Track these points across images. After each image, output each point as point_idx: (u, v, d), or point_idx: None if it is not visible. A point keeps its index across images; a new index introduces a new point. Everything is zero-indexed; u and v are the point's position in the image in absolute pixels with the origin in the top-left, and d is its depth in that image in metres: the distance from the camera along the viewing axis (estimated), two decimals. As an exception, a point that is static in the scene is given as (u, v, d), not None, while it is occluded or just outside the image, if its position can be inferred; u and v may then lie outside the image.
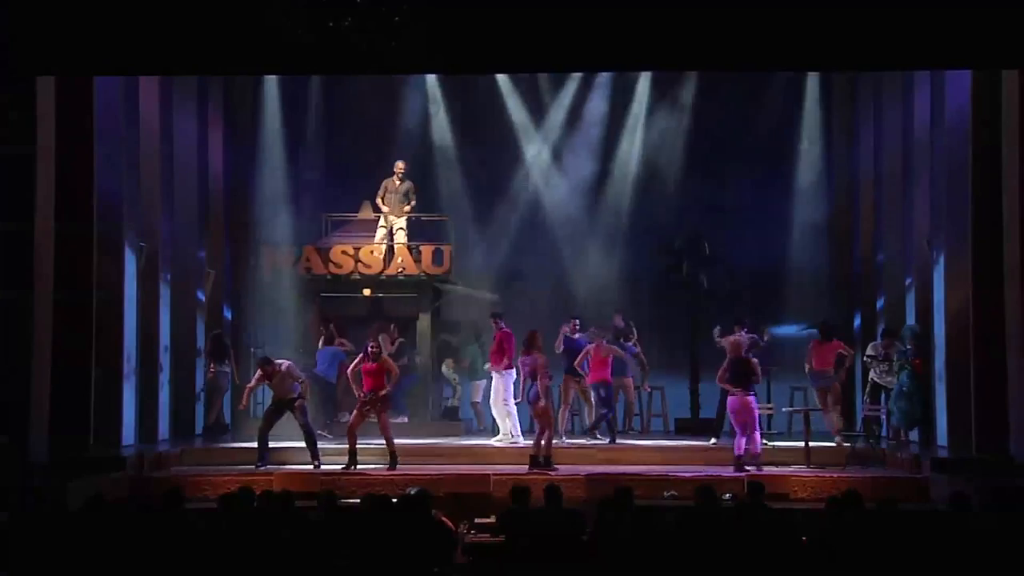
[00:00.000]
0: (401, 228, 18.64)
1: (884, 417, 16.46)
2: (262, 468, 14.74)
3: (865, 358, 16.90)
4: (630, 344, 17.85)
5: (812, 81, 20.43)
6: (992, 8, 11.94)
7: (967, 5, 12.02)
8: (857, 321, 19.87)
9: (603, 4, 12.19)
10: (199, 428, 18.51)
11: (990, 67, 13.75)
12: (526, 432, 16.41)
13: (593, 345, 16.77)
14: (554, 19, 12.16)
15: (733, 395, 14.76)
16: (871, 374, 16.66)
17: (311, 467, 14.84)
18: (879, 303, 18.93)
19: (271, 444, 15.26)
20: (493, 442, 16.55)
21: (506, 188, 20.91)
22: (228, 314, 20.09)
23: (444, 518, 10.03)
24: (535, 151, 20.88)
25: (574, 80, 20.68)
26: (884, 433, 16.82)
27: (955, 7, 12.02)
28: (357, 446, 14.92)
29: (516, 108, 20.85)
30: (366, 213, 19.58)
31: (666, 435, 18.34)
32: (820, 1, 12.18)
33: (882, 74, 18.26)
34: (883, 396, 16.46)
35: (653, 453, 15.97)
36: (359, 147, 20.73)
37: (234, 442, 17.00)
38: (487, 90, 20.77)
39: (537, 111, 20.88)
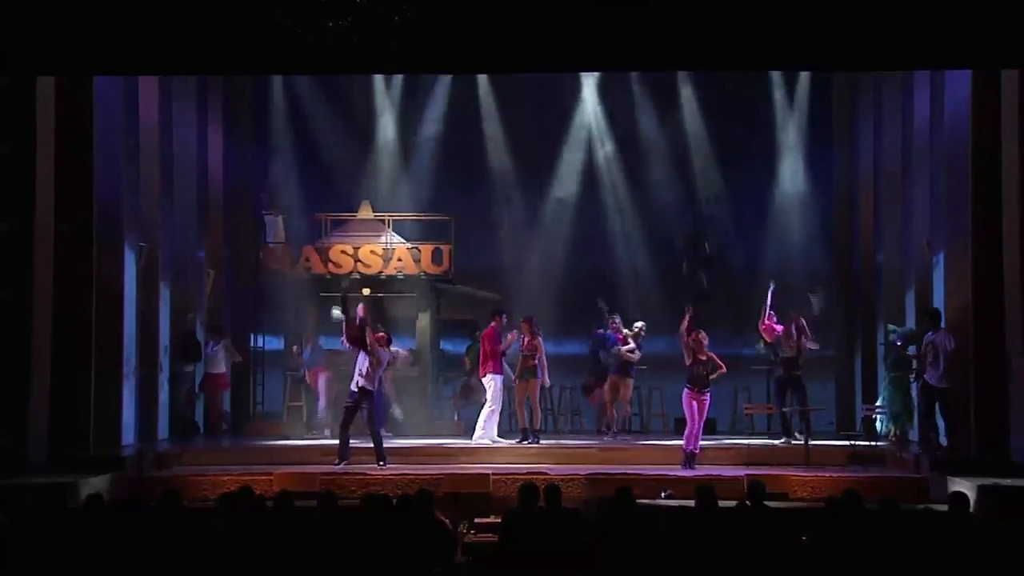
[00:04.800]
0: None
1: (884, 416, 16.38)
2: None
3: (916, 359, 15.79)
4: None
5: (812, 80, 20.42)
6: (992, 8, 11.92)
7: (967, 5, 12.01)
8: (857, 322, 19.89)
9: (603, 3, 12.18)
10: (199, 428, 18.51)
11: (990, 67, 13.74)
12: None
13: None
14: (554, 19, 12.15)
15: None
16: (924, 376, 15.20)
17: (311, 467, 14.84)
18: (879, 303, 18.93)
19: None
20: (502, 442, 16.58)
21: (506, 187, 20.90)
22: (228, 314, 20.06)
23: (442, 518, 10.03)
24: (536, 149, 20.88)
25: (572, 78, 20.65)
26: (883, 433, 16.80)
27: (955, 7, 12.01)
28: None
29: (516, 106, 20.84)
30: (365, 213, 19.59)
31: (666, 435, 18.33)
32: (820, 1, 12.17)
33: (882, 74, 18.26)
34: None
35: (653, 453, 15.97)
36: (358, 145, 20.72)
37: (234, 441, 17.03)
38: (486, 88, 20.78)
39: (536, 109, 20.85)
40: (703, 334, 15.16)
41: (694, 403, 14.97)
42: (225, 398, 18.75)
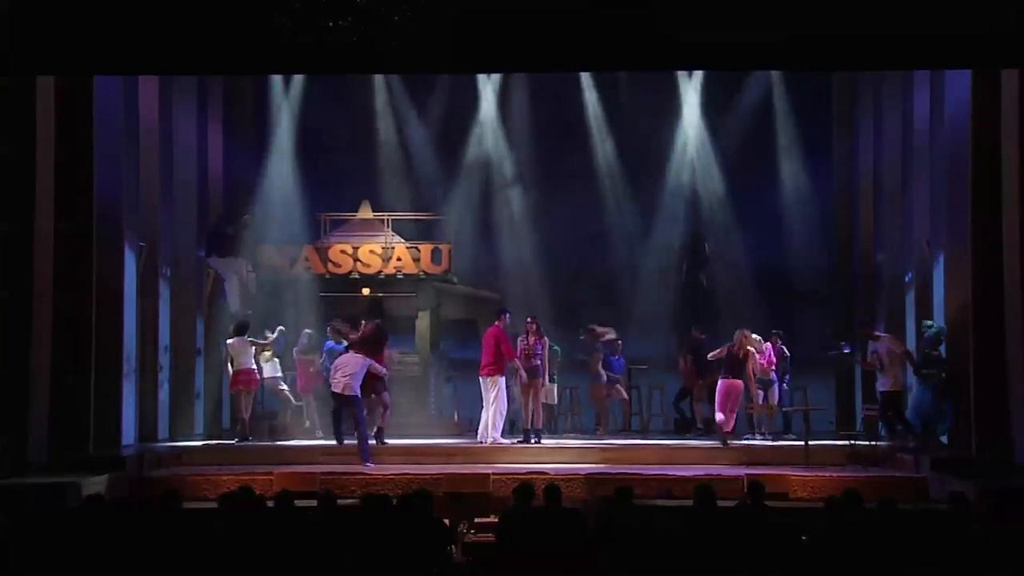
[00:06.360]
0: None
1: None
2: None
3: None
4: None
5: (811, 80, 20.41)
6: (992, 8, 11.92)
7: (967, 5, 12.00)
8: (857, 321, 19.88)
9: (603, 3, 12.18)
10: (199, 428, 18.50)
11: (990, 67, 13.75)
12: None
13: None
14: (554, 19, 12.15)
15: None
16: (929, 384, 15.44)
17: (311, 467, 14.82)
18: (879, 303, 18.93)
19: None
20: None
21: (506, 187, 20.89)
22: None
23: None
24: (536, 149, 20.87)
25: (572, 78, 20.64)
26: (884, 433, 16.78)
27: (955, 7, 12.01)
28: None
29: (515, 105, 20.82)
30: (365, 213, 19.59)
31: (666, 435, 18.35)
32: (820, 1, 12.17)
33: (882, 74, 18.26)
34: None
35: (653, 453, 15.97)
36: (358, 145, 20.72)
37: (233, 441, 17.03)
38: (486, 87, 20.77)
39: (536, 109, 20.83)
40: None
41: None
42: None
